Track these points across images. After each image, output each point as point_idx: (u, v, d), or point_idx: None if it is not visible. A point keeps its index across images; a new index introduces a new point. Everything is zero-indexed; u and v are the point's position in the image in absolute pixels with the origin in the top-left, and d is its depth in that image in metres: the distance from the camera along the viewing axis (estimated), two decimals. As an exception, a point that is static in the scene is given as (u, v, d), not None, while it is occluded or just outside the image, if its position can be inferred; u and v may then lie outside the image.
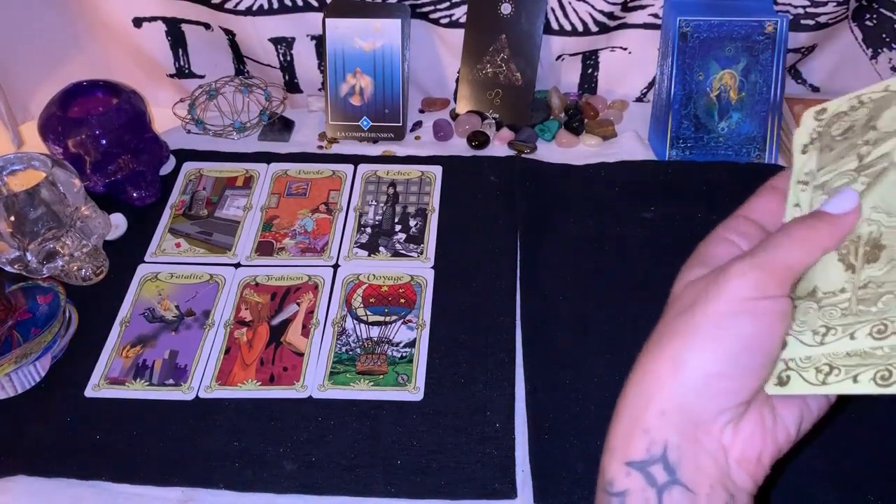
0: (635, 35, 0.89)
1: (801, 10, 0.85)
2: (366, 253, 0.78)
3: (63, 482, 0.61)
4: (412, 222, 0.80)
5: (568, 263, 0.75)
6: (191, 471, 0.61)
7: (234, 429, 0.64)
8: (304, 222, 0.81)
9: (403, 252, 0.78)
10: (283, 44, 0.92)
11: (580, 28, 0.88)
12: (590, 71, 0.94)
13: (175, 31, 0.92)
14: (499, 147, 0.89)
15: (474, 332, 0.70)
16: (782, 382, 0.36)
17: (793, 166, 0.39)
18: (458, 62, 0.91)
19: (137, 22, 0.91)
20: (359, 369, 0.67)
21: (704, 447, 0.34)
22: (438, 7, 0.88)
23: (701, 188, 0.80)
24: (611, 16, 0.86)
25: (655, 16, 0.87)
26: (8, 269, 0.71)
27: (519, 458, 0.61)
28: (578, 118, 0.91)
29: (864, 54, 0.89)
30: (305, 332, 0.71)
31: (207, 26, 0.92)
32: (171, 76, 0.97)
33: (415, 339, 0.69)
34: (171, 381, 0.67)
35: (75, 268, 0.74)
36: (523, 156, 0.87)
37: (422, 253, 0.77)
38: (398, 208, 0.82)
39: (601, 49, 0.91)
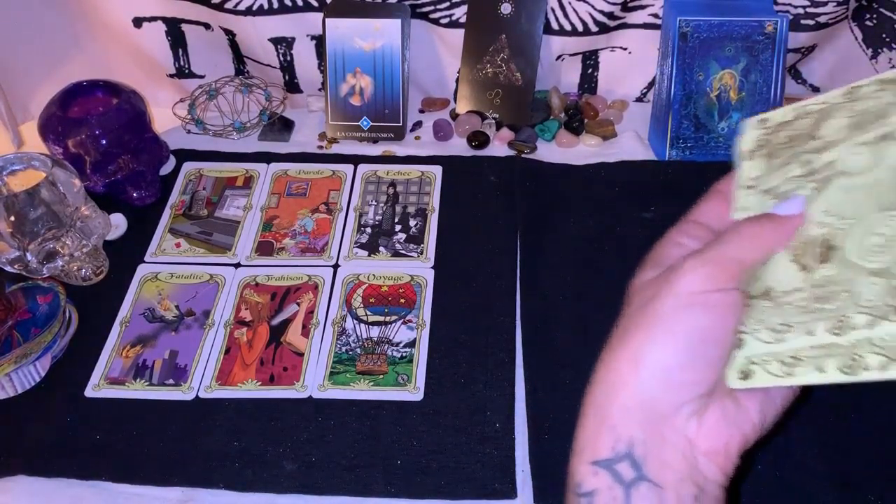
0: (635, 35, 0.89)
1: (801, 10, 0.85)
2: (366, 253, 0.78)
3: (63, 482, 0.61)
4: (412, 222, 0.80)
5: (568, 263, 0.75)
6: (191, 471, 0.61)
7: (234, 429, 0.64)
8: (304, 222, 0.81)
9: (403, 252, 0.78)
10: (283, 44, 0.92)
11: (580, 28, 0.88)
12: (590, 71, 0.94)
13: (175, 31, 0.92)
14: (499, 147, 0.89)
15: (474, 332, 0.70)
16: (746, 376, 0.36)
17: (738, 172, 0.41)
18: (458, 62, 0.91)
19: (137, 22, 0.91)
20: (359, 369, 0.67)
21: (670, 441, 0.35)
22: (438, 7, 0.88)
23: (701, 188, 0.79)
24: (611, 16, 0.86)
25: (655, 16, 0.87)
26: (8, 269, 0.71)
27: (519, 458, 0.61)
28: (578, 118, 0.91)
29: (864, 54, 0.89)
30: (305, 332, 0.71)
31: (207, 26, 0.92)
32: (171, 76, 0.97)
33: (415, 339, 0.69)
34: (171, 381, 0.67)
35: (75, 268, 0.74)
36: (523, 156, 0.87)
37: (422, 253, 0.77)
38: (398, 208, 0.82)
39: (601, 49, 0.91)
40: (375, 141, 0.91)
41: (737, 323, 0.36)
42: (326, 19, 0.87)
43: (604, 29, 0.88)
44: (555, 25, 0.89)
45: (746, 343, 0.37)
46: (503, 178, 0.84)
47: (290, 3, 0.88)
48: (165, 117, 0.93)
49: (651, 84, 0.94)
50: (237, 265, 0.77)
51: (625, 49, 0.91)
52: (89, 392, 0.67)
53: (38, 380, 0.67)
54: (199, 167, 0.88)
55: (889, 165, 0.35)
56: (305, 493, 0.60)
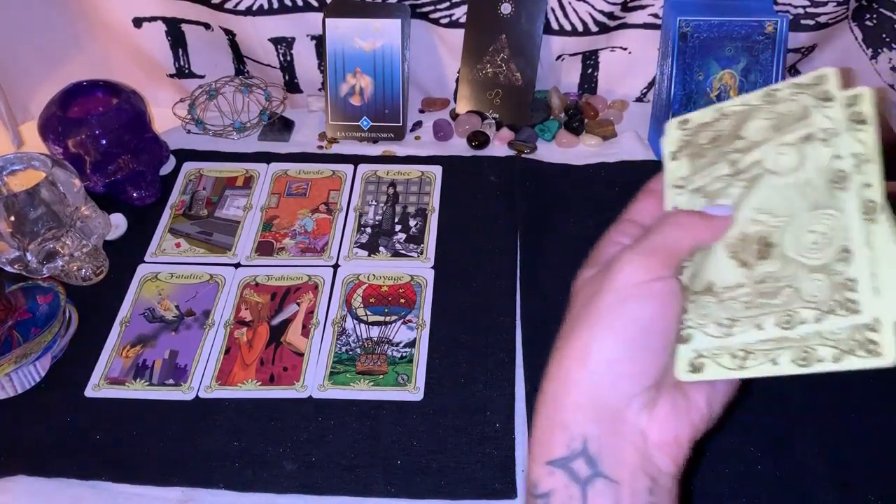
0: (635, 35, 0.89)
1: (801, 10, 0.85)
2: (366, 253, 0.78)
3: (63, 482, 0.61)
4: (412, 222, 0.80)
5: (568, 263, 0.74)
6: (191, 471, 0.61)
7: (234, 429, 0.64)
8: (304, 222, 0.81)
9: (403, 252, 0.78)
10: (283, 44, 0.92)
11: (580, 28, 0.88)
12: (590, 71, 0.94)
13: (175, 31, 0.92)
14: (499, 147, 0.89)
15: (474, 332, 0.70)
16: (696, 369, 0.37)
17: (665, 172, 0.43)
18: (458, 62, 0.91)
19: (137, 22, 0.91)
20: (359, 369, 0.67)
21: (623, 435, 0.35)
22: (438, 7, 0.88)
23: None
24: (611, 16, 0.86)
25: (655, 16, 0.87)
26: (8, 269, 0.71)
27: (519, 458, 0.61)
28: (578, 118, 0.91)
29: (864, 54, 0.89)
30: (305, 332, 0.71)
31: (207, 26, 0.92)
32: (171, 76, 0.97)
33: (415, 339, 0.69)
34: (171, 381, 0.67)
35: (75, 268, 0.74)
36: (523, 156, 0.87)
37: (422, 253, 0.77)
38: (398, 208, 0.82)
39: (601, 49, 0.91)
40: (375, 141, 0.91)
41: (678, 312, 0.37)
42: (326, 19, 0.87)
43: (604, 29, 0.88)
44: (555, 25, 0.89)
45: (693, 337, 0.38)
46: (503, 178, 0.84)
47: (290, 3, 0.88)
48: (165, 117, 0.93)
49: (651, 84, 0.94)
50: (237, 265, 0.77)
51: (625, 49, 0.91)
52: (89, 392, 0.67)
53: (38, 380, 0.67)
54: (199, 167, 0.88)
55: (815, 166, 0.36)
56: (305, 493, 0.60)
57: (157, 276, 0.76)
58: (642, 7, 0.87)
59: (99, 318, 0.72)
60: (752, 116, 0.40)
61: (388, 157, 0.89)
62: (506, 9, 0.87)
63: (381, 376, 0.67)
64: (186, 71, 0.96)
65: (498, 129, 0.91)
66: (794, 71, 0.93)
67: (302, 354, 0.69)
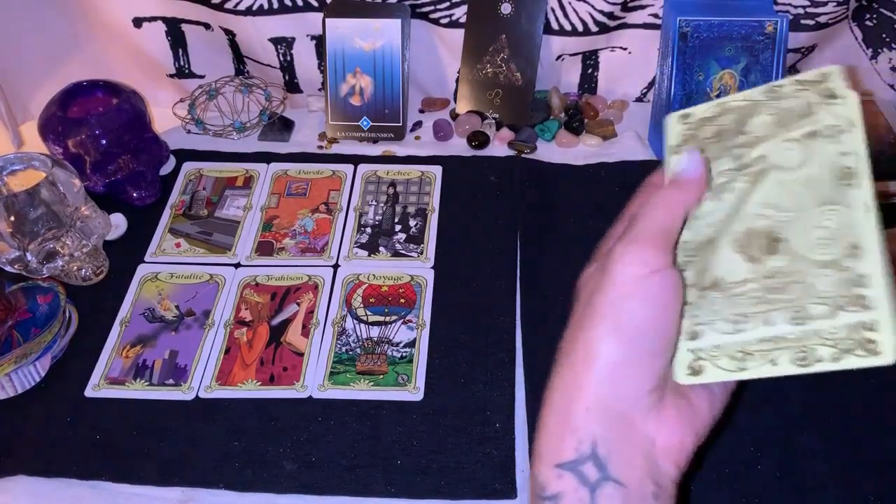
0: (635, 35, 0.89)
1: (801, 10, 0.85)
2: (366, 253, 0.78)
3: (63, 482, 0.61)
4: (412, 222, 0.80)
5: (568, 263, 0.74)
6: (191, 471, 0.61)
7: (234, 429, 0.64)
8: (304, 222, 0.81)
9: (403, 252, 0.78)
10: (283, 44, 0.92)
11: (580, 28, 0.88)
12: (590, 71, 0.94)
13: (175, 31, 0.92)
14: (499, 147, 0.89)
15: (474, 332, 0.70)
16: (695, 372, 0.37)
17: (667, 167, 0.42)
18: (458, 62, 0.91)
19: (137, 22, 0.91)
20: (359, 369, 0.67)
21: (630, 439, 0.35)
22: (438, 7, 0.88)
23: (701, 188, 0.80)
24: (611, 16, 0.86)
25: (655, 16, 0.87)
26: (8, 269, 0.71)
27: (519, 458, 0.61)
28: (578, 118, 0.91)
29: (864, 54, 0.89)
30: (305, 332, 0.71)
31: (207, 26, 0.92)
32: (171, 76, 0.97)
33: (415, 339, 0.69)
34: (171, 381, 0.67)
35: (75, 268, 0.74)
36: (523, 156, 0.87)
37: (422, 253, 0.77)
38: (398, 208, 0.82)
39: (601, 49, 0.91)
40: (375, 141, 0.91)
41: (678, 310, 0.36)
42: (326, 19, 0.87)
43: (604, 29, 0.88)
44: (555, 25, 0.89)
45: (704, 334, 0.38)
46: (503, 178, 0.84)
47: (290, 3, 0.88)
48: (165, 117, 0.93)
49: (651, 84, 0.94)
50: (237, 265, 0.77)
51: (625, 49, 0.91)
52: (89, 392, 0.67)
53: (38, 380, 0.67)
54: (199, 167, 0.88)
55: (821, 162, 0.36)
56: (305, 493, 0.60)
57: (157, 276, 0.76)
58: (642, 7, 0.87)
59: (99, 318, 0.72)
60: (755, 112, 0.40)
61: (388, 157, 0.89)
62: (506, 9, 0.87)
63: (381, 376, 0.67)
64: (186, 71, 0.96)
65: (498, 129, 0.91)
66: (794, 71, 0.93)
67: (302, 354, 0.69)
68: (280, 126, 0.93)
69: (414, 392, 0.65)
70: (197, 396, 0.66)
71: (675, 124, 0.44)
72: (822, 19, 0.85)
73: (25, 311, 0.69)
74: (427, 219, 0.81)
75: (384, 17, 0.87)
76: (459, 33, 0.90)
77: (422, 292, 0.73)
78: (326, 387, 0.66)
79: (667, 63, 0.84)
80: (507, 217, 0.80)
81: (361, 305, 0.73)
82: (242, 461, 0.61)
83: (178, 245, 0.79)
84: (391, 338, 0.70)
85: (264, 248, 0.79)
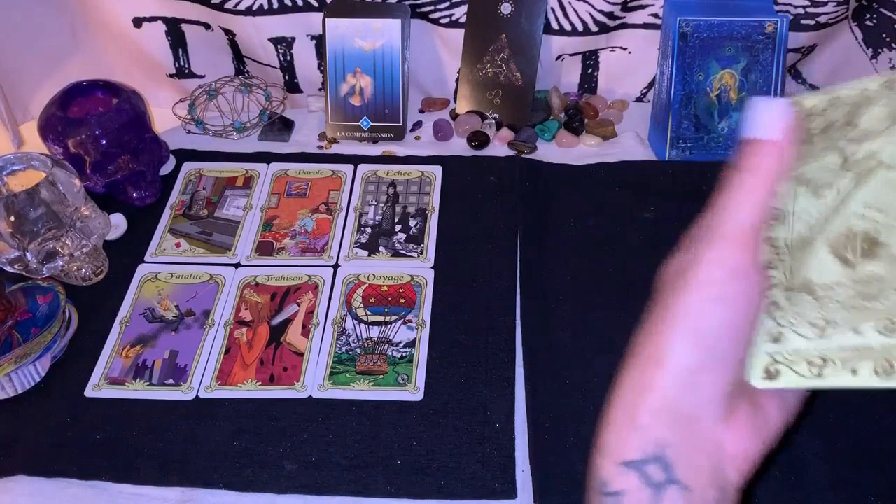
0: (635, 35, 0.89)
1: (801, 10, 0.85)
2: (366, 253, 0.78)
3: (63, 482, 0.61)
4: (412, 222, 0.80)
5: (568, 264, 0.75)
6: (191, 471, 0.61)
7: (234, 429, 0.63)
8: (304, 222, 0.81)
9: (403, 252, 0.78)
10: (283, 44, 0.92)
11: (580, 28, 0.88)
12: (590, 71, 0.94)
13: (175, 31, 0.92)
14: (499, 147, 0.89)
15: (474, 332, 0.70)
16: (771, 376, 0.36)
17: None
18: (458, 62, 0.91)
19: (137, 22, 0.91)
20: (359, 369, 0.67)
21: (698, 443, 0.34)
22: (438, 7, 0.88)
23: (701, 188, 0.80)
24: (611, 16, 0.86)
25: (655, 16, 0.87)
26: (8, 269, 0.71)
27: (519, 458, 0.61)
28: (578, 118, 0.91)
29: (864, 54, 0.89)
30: (305, 332, 0.71)
31: (207, 26, 0.92)
32: (171, 76, 0.97)
33: (415, 339, 0.69)
34: (171, 381, 0.67)
35: (75, 268, 0.74)
36: (523, 156, 0.87)
37: (422, 253, 0.77)
38: (398, 208, 0.82)
39: (601, 49, 0.91)
40: (375, 141, 0.91)
41: (758, 315, 0.35)
42: (326, 19, 0.87)
43: (604, 29, 0.88)
44: (555, 25, 0.89)
45: (785, 337, 0.36)
46: (503, 178, 0.84)
47: (290, 3, 0.88)
48: (165, 117, 0.93)
49: (651, 84, 0.94)
50: (237, 265, 0.77)
51: (625, 49, 0.91)
52: (89, 392, 0.67)
53: (38, 380, 0.67)
54: (199, 167, 0.88)
55: None
56: (305, 493, 0.60)
57: (157, 276, 0.76)
58: (642, 7, 0.87)
59: (99, 318, 0.72)
60: (870, 104, 0.36)
61: (388, 157, 0.89)
62: (506, 9, 0.87)
63: (381, 376, 0.67)
64: (186, 71, 0.96)
65: (498, 129, 0.91)
66: (794, 71, 0.93)
67: (302, 354, 0.69)
68: (280, 126, 0.93)
69: (414, 392, 0.65)
70: (197, 396, 0.66)
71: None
72: (822, 19, 0.85)
73: (25, 311, 0.69)
74: (427, 219, 0.81)
75: (384, 17, 0.86)
76: (459, 33, 0.90)
77: (422, 292, 0.73)
78: (326, 387, 0.66)
79: (667, 63, 0.84)
80: (507, 217, 0.79)
81: (361, 305, 0.73)
82: (242, 461, 0.61)
83: (178, 245, 0.79)
84: (391, 338, 0.70)
85: (264, 248, 0.79)
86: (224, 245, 0.79)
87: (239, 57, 0.95)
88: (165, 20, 0.91)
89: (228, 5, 0.87)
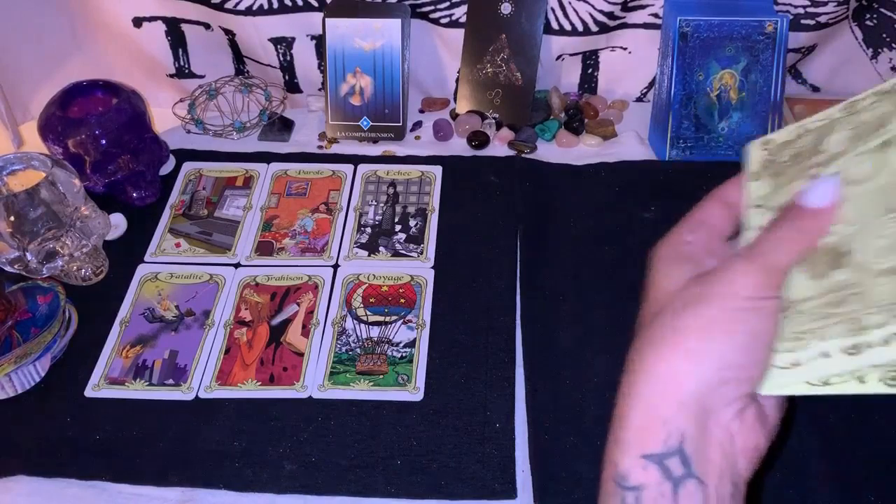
0: (635, 35, 0.89)
1: (801, 10, 0.85)
2: (366, 253, 0.78)
3: (63, 482, 0.61)
4: (412, 222, 0.80)
5: (568, 263, 0.75)
6: (191, 471, 0.61)
7: (234, 429, 0.63)
8: (304, 222, 0.81)
9: (403, 252, 0.78)
10: (283, 44, 0.92)
11: (580, 28, 0.88)
12: (590, 71, 0.94)
13: (175, 31, 0.92)
14: (499, 147, 0.89)
15: (474, 332, 0.70)
16: (780, 386, 0.37)
17: (746, 192, 0.42)
18: (458, 62, 0.91)
19: (137, 22, 0.91)
20: (359, 369, 0.67)
21: (714, 438, 0.35)
22: (438, 7, 0.88)
23: (701, 188, 0.79)
24: (611, 16, 0.86)
25: (655, 16, 0.87)
26: (8, 269, 0.71)
27: (519, 458, 0.61)
28: (578, 118, 0.91)
29: (865, 54, 0.89)
30: (305, 332, 0.71)
31: (207, 26, 0.92)
32: (171, 76, 0.97)
33: (415, 339, 0.69)
34: (171, 381, 0.67)
35: (75, 268, 0.74)
36: (523, 156, 0.87)
37: (422, 253, 0.77)
38: (398, 208, 0.82)
39: (601, 49, 0.91)
40: (375, 141, 0.91)
41: (777, 327, 0.37)
42: (326, 19, 0.87)
43: (604, 29, 0.88)
44: (555, 25, 0.89)
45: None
46: (503, 178, 0.84)
47: (290, 3, 0.88)
48: (165, 117, 0.93)
49: (651, 84, 0.94)
50: (237, 265, 0.77)
51: (625, 49, 0.91)
52: (89, 392, 0.67)
53: (38, 380, 0.67)
54: (199, 167, 0.88)
55: (892, 170, 0.35)
56: (305, 493, 0.60)
57: (157, 276, 0.76)
58: (642, 7, 0.87)
59: (99, 318, 0.72)
60: (833, 130, 0.39)
61: (388, 157, 0.89)
62: (506, 9, 0.87)
63: (381, 376, 0.67)
64: (186, 71, 0.96)
65: (498, 129, 0.91)
66: (794, 71, 0.93)
67: (302, 354, 0.69)
68: (280, 126, 0.93)
69: (414, 392, 0.65)
70: (197, 396, 0.66)
71: (756, 151, 0.44)
72: (822, 19, 0.85)
73: (25, 311, 0.69)
74: (427, 219, 0.81)
75: (384, 17, 0.86)
76: (459, 33, 0.90)
77: (422, 292, 0.73)
78: (326, 387, 0.66)
79: (667, 63, 0.84)
80: (507, 217, 0.79)
81: (361, 305, 0.73)
82: (242, 461, 0.61)
83: (178, 245, 0.79)
84: (391, 338, 0.70)
85: (264, 248, 0.79)
86: (224, 245, 0.79)
87: (239, 57, 0.95)
88: (165, 20, 0.91)
89: (228, 5, 0.87)
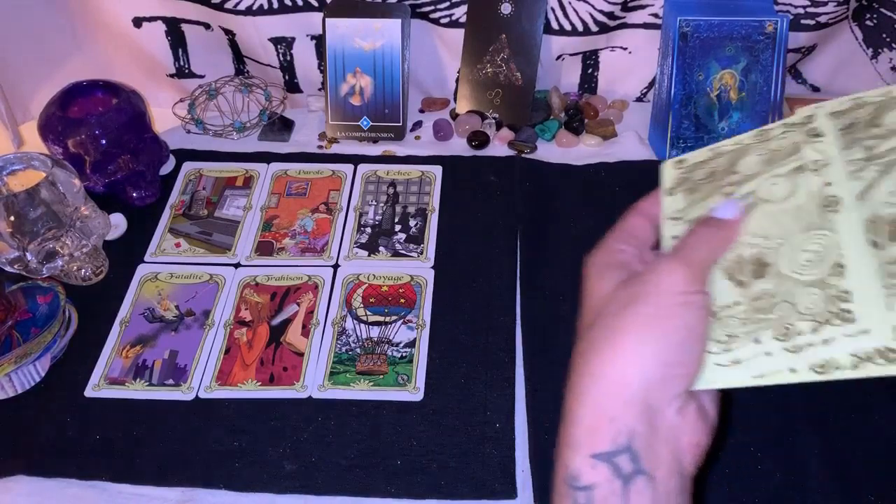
0: (635, 35, 0.89)
1: (801, 10, 0.85)
2: (366, 253, 0.78)
3: (63, 482, 0.61)
4: (412, 222, 0.80)
5: (568, 263, 0.75)
6: (191, 471, 0.61)
7: (234, 429, 0.64)
8: (304, 222, 0.81)
9: (403, 252, 0.78)
10: (283, 44, 0.92)
11: (580, 28, 0.88)
12: (590, 71, 0.94)
13: (175, 31, 0.92)
14: (499, 147, 0.89)
15: (474, 332, 0.70)
16: (713, 381, 0.39)
17: (662, 207, 0.46)
18: (458, 62, 0.91)
19: (137, 22, 0.91)
20: (359, 369, 0.67)
21: (661, 434, 0.37)
22: (438, 7, 0.88)
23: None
24: (611, 16, 0.86)
25: (655, 16, 0.87)
26: (8, 269, 0.71)
27: (519, 458, 0.61)
28: (578, 118, 0.91)
29: (865, 54, 0.89)
30: (305, 332, 0.71)
31: (207, 26, 0.92)
32: (171, 76, 0.97)
33: (415, 339, 0.69)
34: (171, 381, 0.67)
35: (75, 268, 0.74)
36: (523, 156, 0.87)
37: (422, 253, 0.77)
38: (398, 208, 0.82)
39: (601, 49, 0.91)
40: (375, 141, 0.91)
41: (707, 323, 0.39)
42: (326, 19, 0.87)
43: (604, 29, 0.88)
44: (555, 25, 0.89)
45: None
46: (503, 178, 0.84)
47: (290, 3, 0.88)
48: (165, 117, 0.93)
49: (651, 84, 0.94)
50: (237, 265, 0.77)
51: (625, 49, 0.91)
52: (89, 392, 0.67)
53: (38, 380, 0.67)
54: (199, 167, 0.88)
55: (806, 192, 0.39)
56: (305, 493, 0.60)
57: (157, 276, 0.76)
58: (642, 7, 0.87)
59: (99, 318, 0.72)
60: (745, 154, 0.44)
61: (388, 157, 0.89)
62: (506, 9, 0.87)
63: (381, 376, 0.67)
64: (186, 71, 0.96)
65: (498, 129, 0.91)
66: (794, 71, 0.93)
67: (302, 354, 0.69)
68: (280, 126, 0.93)
69: (414, 392, 0.65)
70: (197, 396, 0.66)
71: (669, 169, 0.47)
72: (822, 19, 0.85)
73: (25, 311, 0.69)
74: (427, 219, 0.81)
75: (384, 17, 0.87)
76: (459, 33, 0.90)
77: (422, 292, 0.73)
78: (326, 387, 0.66)
79: (667, 63, 0.84)
80: (507, 217, 0.79)
81: (361, 305, 0.73)
82: (242, 461, 0.61)
83: (177, 245, 0.79)
84: (391, 338, 0.70)
85: (264, 248, 0.79)
86: (224, 245, 0.79)
87: (239, 57, 0.95)
88: (165, 20, 0.91)
89: (228, 5, 0.87)
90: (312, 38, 0.92)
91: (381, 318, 0.71)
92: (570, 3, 0.86)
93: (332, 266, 0.76)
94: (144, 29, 0.92)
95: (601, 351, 0.38)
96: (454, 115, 0.93)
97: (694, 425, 0.38)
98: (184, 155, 0.89)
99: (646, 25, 0.88)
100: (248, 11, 0.88)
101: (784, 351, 0.36)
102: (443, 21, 0.90)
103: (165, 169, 0.87)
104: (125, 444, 0.63)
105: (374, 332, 0.70)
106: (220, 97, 0.92)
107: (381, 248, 0.78)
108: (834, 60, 0.91)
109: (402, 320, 0.71)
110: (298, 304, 0.73)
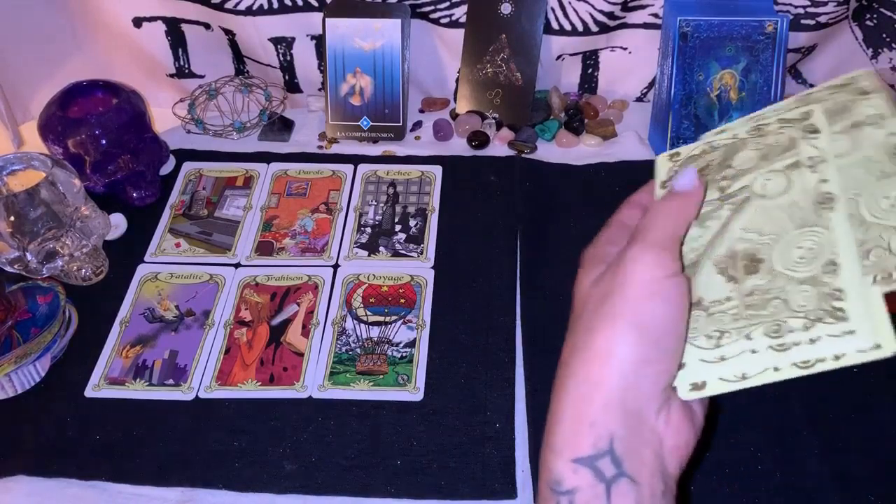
0: (635, 35, 0.89)
1: (801, 10, 0.85)
2: (366, 253, 0.78)
3: (63, 482, 0.61)
4: (412, 222, 0.80)
5: (568, 263, 0.74)
6: (191, 471, 0.61)
7: (234, 429, 0.63)
8: (304, 222, 0.81)
9: (403, 252, 0.78)
10: (283, 44, 0.92)
11: (580, 28, 0.88)
12: (590, 71, 0.94)
13: (175, 31, 0.92)
14: (499, 147, 0.89)
15: (474, 332, 0.70)
16: (698, 387, 0.38)
17: (656, 198, 0.46)
18: (458, 62, 0.91)
19: (137, 22, 0.91)
20: (359, 369, 0.67)
21: (643, 437, 0.36)
22: (438, 7, 0.88)
23: (701, 188, 0.80)
24: (611, 16, 0.86)
25: (655, 16, 0.87)
26: (8, 269, 0.71)
27: (519, 458, 0.61)
28: (578, 118, 0.91)
29: (865, 54, 0.89)
30: (305, 332, 0.71)
31: (207, 26, 0.92)
32: (171, 76, 0.97)
33: (415, 339, 0.69)
34: (171, 381, 0.67)
35: (75, 268, 0.74)
36: (523, 156, 0.87)
37: (422, 253, 0.77)
38: (398, 208, 0.82)
39: (601, 49, 0.91)
40: (375, 141, 0.91)
41: (688, 313, 0.38)
42: (326, 19, 0.87)
43: (604, 29, 0.88)
44: (555, 25, 0.89)
45: (686, 350, 0.39)
46: (503, 178, 0.84)
47: (290, 3, 0.88)
48: (165, 117, 0.93)
49: (651, 84, 0.94)
50: (237, 265, 0.77)
51: (625, 49, 0.91)
52: (89, 392, 0.67)
53: (38, 380, 0.67)
54: (199, 167, 0.88)
55: (801, 189, 0.39)
56: (305, 493, 0.60)
57: (157, 276, 0.76)
58: (642, 7, 0.87)
59: (99, 318, 0.72)
60: (740, 148, 0.43)
61: (388, 157, 0.89)
62: (506, 9, 0.87)
63: (381, 376, 0.67)
64: (186, 71, 0.96)
65: (498, 129, 0.91)
66: (794, 71, 0.93)
67: (302, 354, 0.69)
68: (280, 126, 0.93)
69: (414, 392, 0.65)
70: (197, 396, 0.66)
71: (664, 162, 0.47)
72: (822, 19, 0.85)
73: (25, 311, 0.69)
74: (427, 219, 0.81)
75: (384, 17, 0.87)
76: (459, 33, 0.90)
77: (422, 292, 0.73)
78: (326, 387, 0.66)
79: (667, 63, 0.84)
80: (507, 217, 0.80)
81: (361, 305, 0.73)
82: (242, 461, 0.61)
83: (177, 245, 0.79)
84: (391, 338, 0.70)
85: (264, 248, 0.79)
86: (224, 245, 0.79)
87: (239, 57, 0.95)
88: (165, 20, 0.91)
89: (228, 5, 0.87)
90: (312, 38, 0.92)
91: (381, 318, 0.71)
92: (570, 3, 0.86)
93: (332, 266, 0.76)
94: (144, 29, 0.92)
95: (579, 353, 0.38)
96: (454, 115, 0.93)
97: (678, 426, 0.37)
98: (184, 155, 0.89)
99: (646, 25, 0.88)
100: (248, 11, 0.88)
101: (770, 349, 0.36)
102: (443, 21, 0.90)
103: (165, 169, 0.87)
104: (125, 444, 0.63)
105: (374, 332, 0.70)
106: (220, 97, 0.92)
107: (381, 248, 0.78)
108: (834, 60, 0.91)
109: (402, 320, 0.71)
110: (298, 304, 0.73)
